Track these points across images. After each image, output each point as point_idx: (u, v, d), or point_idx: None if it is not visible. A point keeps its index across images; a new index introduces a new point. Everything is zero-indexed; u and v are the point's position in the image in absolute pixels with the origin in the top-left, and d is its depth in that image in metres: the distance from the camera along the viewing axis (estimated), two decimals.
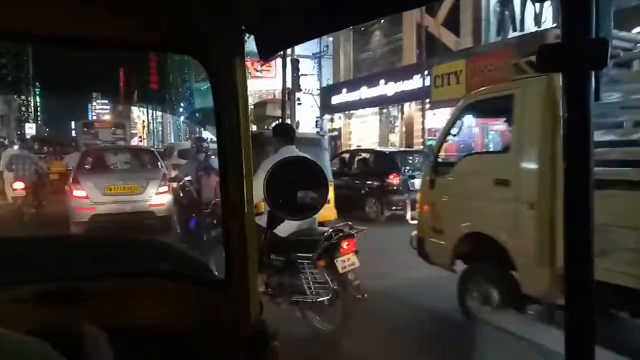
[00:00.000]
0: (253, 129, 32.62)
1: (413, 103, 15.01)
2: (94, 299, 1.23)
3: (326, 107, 19.61)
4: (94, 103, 70.65)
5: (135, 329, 1.20)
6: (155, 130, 48.84)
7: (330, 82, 21.07)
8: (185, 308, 1.29)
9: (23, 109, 36.74)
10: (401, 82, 14.96)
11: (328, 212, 7.15)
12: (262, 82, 42.85)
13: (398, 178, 9.73)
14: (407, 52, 16.04)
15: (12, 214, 9.30)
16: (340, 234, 3.78)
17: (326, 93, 19.87)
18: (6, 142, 24.22)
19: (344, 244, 3.73)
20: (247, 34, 1.15)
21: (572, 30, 0.61)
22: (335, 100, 18.59)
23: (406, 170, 9.99)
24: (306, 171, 1.46)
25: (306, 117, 22.67)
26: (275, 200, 1.32)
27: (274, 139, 4.02)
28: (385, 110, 17.00)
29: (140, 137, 47.65)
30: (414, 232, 4.66)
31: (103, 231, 8.24)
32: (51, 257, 1.49)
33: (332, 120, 19.84)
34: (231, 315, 1.23)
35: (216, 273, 1.52)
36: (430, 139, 12.20)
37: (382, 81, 15.76)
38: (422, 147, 12.83)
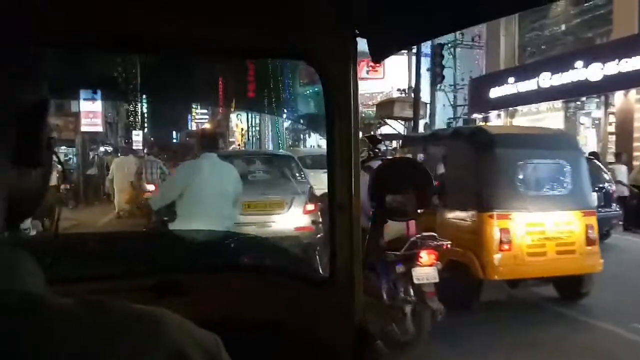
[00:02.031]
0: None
1: (634, 91, 10.83)
2: (202, 291, 1.30)
3: (478, 103, 15.90)
4: (194, 113, 73.23)
5: (240, 324, 1.22)
6: (253, 138, 48.19)
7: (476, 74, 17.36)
8: (290, 305, 1.34)
9: (130, 117, 37.51)
10: (615, 61, 10.73)
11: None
12: (369, 84, 41.22)
13: None
14: (622, 19, 11.61)
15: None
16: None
17: (478, 86, 16.15)
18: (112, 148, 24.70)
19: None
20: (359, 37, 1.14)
21: None
22: (495, 93, 14.72)
23: None
24: (411, 171, 0.91)
25: (439, 117, 19.35)
26: (380, 200, 0.73)
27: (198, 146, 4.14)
28: (575, 103, 12.85)
29: (239, 145, 46.98)
30: None
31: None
32: (163, 251, 1.69)
33: (485, 119, 15.96)
34: (336, 313, 1.29)
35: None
36: None
37: (579, 62, 11.70)
38: None
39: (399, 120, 16.51)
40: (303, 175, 7.97)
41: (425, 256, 3.80)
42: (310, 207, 7.08)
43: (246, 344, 1.12)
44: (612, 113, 11.94)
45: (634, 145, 11.02)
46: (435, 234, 4.12)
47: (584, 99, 12.63)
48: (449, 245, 4.25)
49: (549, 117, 13.92)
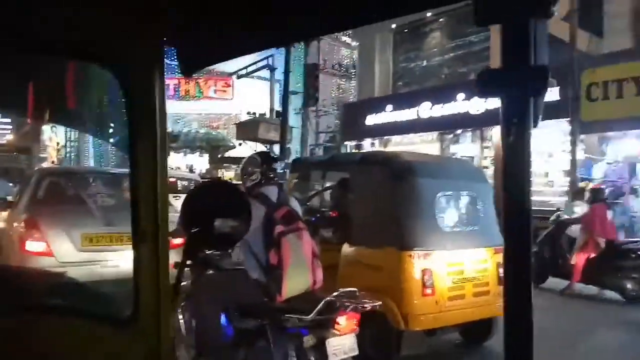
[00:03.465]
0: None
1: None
2: None
3: (351, 130, 16.27)
4: None
5: None
6: (71, 154, 44.71)
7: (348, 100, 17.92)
8: (86, 348, 1.28)
9: None
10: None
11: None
12: (216, 104, 41.12)
13: None
14: (498, 56, 12.64)
15: None
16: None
17: (351, 112, 16.59)
18: None
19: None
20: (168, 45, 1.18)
21: (512, 56, 0.71)
22: (371, 121, 15.21)
23: None
24: (226, 195, 1.48)
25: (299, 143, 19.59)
26: (192, 228, 1.32)
27: None
28: (450, 136, 13.80)
29: (53, 162, 42.03)
30: None
31: None
32: None
33: (358, 147, 16.40)
34: (139, 354, 1.26)
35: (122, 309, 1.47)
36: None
37: (460, 95, 12.53)
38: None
39: (265, 144, 16.25)
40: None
41: (343, 322, 3.38)
42: (178, 240, 6.24)
43: None
44: (487, 147, 13.09)
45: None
46: (355, 289, 3.72)
47: (459, 131, 13.52)
48: (377, 307, 3.84)
49: (423, 148, 14.32)
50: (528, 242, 0.71)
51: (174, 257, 1.46)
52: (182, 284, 4.49)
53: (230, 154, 35.97)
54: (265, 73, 33.61)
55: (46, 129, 49.71)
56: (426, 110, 13.55)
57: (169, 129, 37.27)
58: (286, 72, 15.24)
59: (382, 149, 15.65)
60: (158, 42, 1.19)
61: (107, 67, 1.30)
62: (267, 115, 27.31)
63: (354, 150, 16.28)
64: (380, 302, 4.00)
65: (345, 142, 17.02)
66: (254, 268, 3.71)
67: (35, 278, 2.12)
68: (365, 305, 3.61)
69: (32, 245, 5.51)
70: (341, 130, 17.56)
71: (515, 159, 0.70)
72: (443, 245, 5.13)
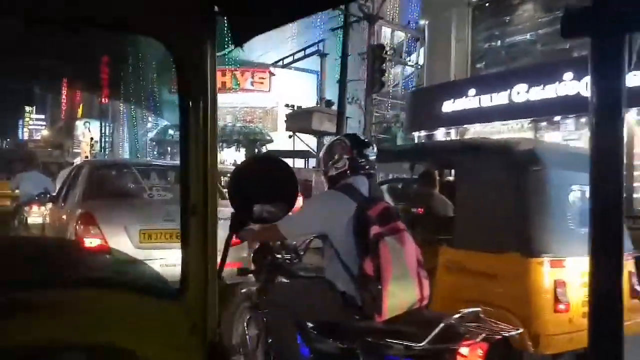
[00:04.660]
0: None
1: (634, 110, 10.70)
2: (30, 311, 1.29)
3: (421, 120, 15.64)
4: (27, 118, 69.19)
5: (78, 346, 1.28)
6: (105, 148, 46.83)
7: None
8: (135, 321, 1.38)
9: None
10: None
11: None
12: (252, 97, 41.57)
13: None
14: None
15: None
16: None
17: (420, 99, 15.96)
18: None
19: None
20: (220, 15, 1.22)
21: None
22: (448, 108, 14.51)
23: None
24: (276, 172, 1.63)
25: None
26: (239, 201, 1.56)
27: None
28: (546, 124, 12.83)
29: (87, 157, 43.90)
30: None
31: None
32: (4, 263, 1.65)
33: (429, 138, 15.73)
34: (186, 327, 1.37)
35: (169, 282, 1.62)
36: None
37: (566, 74, 11.38)
38: None
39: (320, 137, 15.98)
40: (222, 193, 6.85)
41: (468, 353, 2.79)
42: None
43: None
44: None
45: (635, 174, 11.02)
46: (479, 309, 3.13)
47: (558, 118, 12.51)
48: (512, 334, 3.21)
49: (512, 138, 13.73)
50: (619, 244, 0.63)
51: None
52: (243, 291, 4.31)
53: (269, 147, 36.32)
54: (305, 64, 33.90)
55: (79, 124, 52.10)
56: (522, 93, 12.44)
57: None
58: (344, 54, 14.79)
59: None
60: (208, 10, 1.25)
61: (157, 39, 1.33)
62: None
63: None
64: (521, 329, 3.43)
65: (413, 133, 16.41)
66: (341, 278, 3.23)
67: (84, 252, 2.13)
68: (503, 333, 3.03)
69: (89, 242, 5.49)
70: (408, 120, 16.83)
71: (606, 109, 0.66)
72: (576, 251, 4.59)
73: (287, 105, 31.16)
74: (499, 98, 12.86)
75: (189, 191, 1.35)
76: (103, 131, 46.82)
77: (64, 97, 56.54)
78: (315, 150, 25.26)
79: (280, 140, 33.95)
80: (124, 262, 2.41)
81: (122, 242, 5.55)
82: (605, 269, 0.70)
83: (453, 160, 5.66)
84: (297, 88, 37.47)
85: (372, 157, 3.48)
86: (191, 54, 1.29)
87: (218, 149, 1.38)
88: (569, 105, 11.31)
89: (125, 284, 1.66)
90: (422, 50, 27.67)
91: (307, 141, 25.82)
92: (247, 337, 4.17)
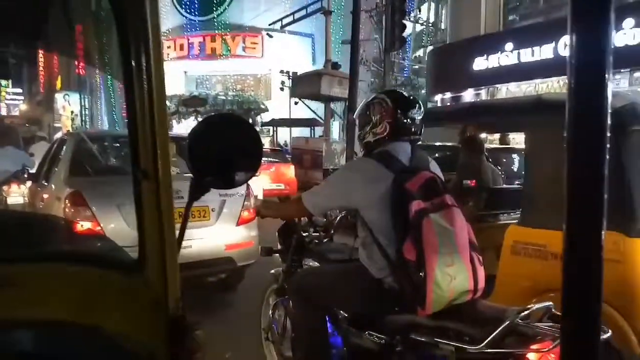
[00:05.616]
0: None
1: None
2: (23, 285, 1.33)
3: (445, 81, 14.87)
4: (3, 92, 68.77)
5: (30, 322, 1.29)
6: (84, 123, 46.16)
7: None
8: (94, 295, 1.41)
9: None
10: None
11: None
12: (243, 63, 40.77)
13: None
14: None
15: None
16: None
17: (445, 57, 15.14)
18: None
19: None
20: None
21: None
22: (481, 65, 13.66)
23: None
24: (236, 131, 1.55)
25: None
26: (199, 165, 1.44)
27: None
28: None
29: (68, 131, 45.12)
30: None
31: None
32: None
33: (454, 101, 15.06)
34: (146, 301, 1.40)
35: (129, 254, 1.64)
36: None
37: (627, 21, 10.67)
38: None
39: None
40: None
41: (537, 359, 2.48)
42: (247, 214, 6.13)
43: (41, 347, 1.29)
44: None
45: None
46: (551, 304, 2.78)
47: (618, 73, 11.48)
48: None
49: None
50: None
51: None
52: (272, 272, 4.21)
53: (264, 117, 35.89)
54: (298, 27, 33.08)
55: (59, 97, 51.72)
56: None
57: (196, 92, 37.47)
58: (356, 7, 13.74)
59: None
60: None
61: None
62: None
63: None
64: (610, 333, 2.97)
65: (437, 97, 15.68)
66: (377, 263, 2.93)
67: (44, 225, 2.27)
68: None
69: (80, 225, 5.10)
70: (430, 82, 16.09)
71: (589, 70, 0.62)
72: None
73: (282, 72, 30.49)
74: (543, 52, 12.00)
75: (138, 156, 1.35)
76: (83, 103, 46.21)
77: (41, 68, 56.47)
78: (323, 117, 24.60)
79: (275, 109, 33.43)
80: (81, 233, 2.37)
81: (116, 223, 5.15)
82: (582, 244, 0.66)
83: (524, 121, 5.02)
84: (291, 53, 36.74)
85: (419, 119, 3.11)
86: (130, 9, 1.28)
87: (167, 111, 1.28)
88: (630, 57, 10.49)
89: (83, 257, 1.66)
90: (426, 6, 26.64)
91: (308, 109, 25.22)
92: (274, 323, 4.10)
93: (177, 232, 1.43)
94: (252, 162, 1.55)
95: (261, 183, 15.04)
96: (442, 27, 26.43)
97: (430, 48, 22.95)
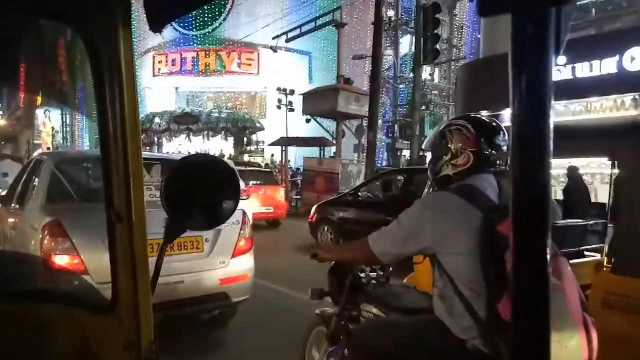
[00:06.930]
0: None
1: None
2: None
3: (481, 98, 14.01)
4: None
5: None
6: (65, 140, 47.75)
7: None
8: (68, 336, 1.43)
9: None
10: None
11: None
12: (238, 80, 40.08)
13: None
14: None
15: None
16: None
17: (481, 72, 14.27)
18: None
19: None
20: None
21: None
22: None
23: None
24: (214, 172, 1.53)
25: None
26: (175, 206, 1.38)
27: None
28: None
29: (48, 148, 45.00)
30: None
31: None
32: None
33: None
34: (118, 342, 1.38)
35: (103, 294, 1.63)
36: None
37: None
38: None
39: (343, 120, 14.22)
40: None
41: None
42: (243, 244, 5.78)
43: None
44: None
45: None
46: None
47: None
48: None
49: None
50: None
51: None
52: (317, 312, 3.96)
53: (259, 136, 35.04)
54: (296, 44, 32.38)
55: (39, 113, 50.91)
56: (638, 58, 10.64)
57: (187, 109, 36.60)
58: (377, 17, 12.90)
59: None
60: None
61: (68, 25, 1.39)
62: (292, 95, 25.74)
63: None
64: None
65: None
66: (459, 319, 2.52)
67: (14, 263, 2.24)
68: None
69: (59, 260, 4.75)
70: (460, 98, 15.25)
71: (530, 101, 0.59)
72: None
73: (279, 89, 29.96)
74: (606, 66, 11.08)
75: (111, 197, 1.34)
76: (64, 120, 45.77)
77: (21, 82, 55.93)
78: (334, 136, 23.71)
79: (270, 128, 32.88)
80: (56, 272, 2.46)
81: (98, 256, 4.48)
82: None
83: (613, 145, 4.79)
84: (287, 70, 36.19)
85: (505, 147, 2.75)
86: (106, 43, 1.26)
87: (142, 147, 1.27)
88: None
89: (55, 296, 1.67)
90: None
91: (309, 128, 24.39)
92: None
93: (152, 272, 1.35)
94: (232, 199, 1.48)
95: (250, 207, 14.11)
96: (455, 42, 25.83)
97: (443, 64, 22.30)
